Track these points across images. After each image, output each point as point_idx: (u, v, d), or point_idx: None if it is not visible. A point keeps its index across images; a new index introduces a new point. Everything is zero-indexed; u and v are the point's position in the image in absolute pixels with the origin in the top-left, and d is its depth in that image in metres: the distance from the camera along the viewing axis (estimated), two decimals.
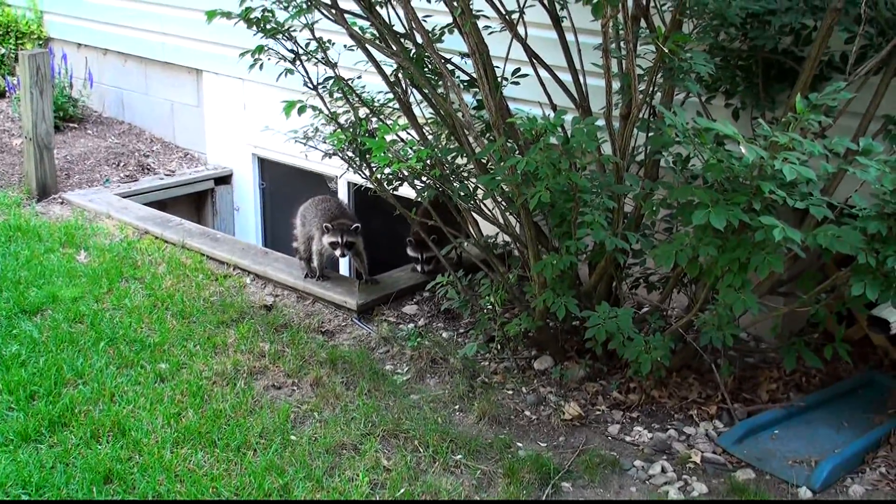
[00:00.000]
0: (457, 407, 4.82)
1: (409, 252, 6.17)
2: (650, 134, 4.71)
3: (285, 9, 5.20)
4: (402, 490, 4.13)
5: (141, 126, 9.34)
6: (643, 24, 4.69)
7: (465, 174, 5.28)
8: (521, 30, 5.01)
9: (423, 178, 5.26)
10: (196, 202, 8.54)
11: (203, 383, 4.88)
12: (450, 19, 5.03)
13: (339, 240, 5.75)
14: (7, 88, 9.55)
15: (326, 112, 5.59)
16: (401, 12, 5.14)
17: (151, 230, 6.87)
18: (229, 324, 5.56)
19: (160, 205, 7.79)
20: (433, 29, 5.19)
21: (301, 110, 5.27)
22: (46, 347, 5.14)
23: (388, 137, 4.78)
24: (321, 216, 5.97)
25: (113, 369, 4.97)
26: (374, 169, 5.48)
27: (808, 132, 4.07)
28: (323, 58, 5.49)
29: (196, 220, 7.85)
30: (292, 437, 4.48)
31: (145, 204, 7.58)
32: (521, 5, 4.98)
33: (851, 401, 4.88)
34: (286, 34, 5.37)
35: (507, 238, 5.32)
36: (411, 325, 5.67)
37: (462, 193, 5.09)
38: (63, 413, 4.55)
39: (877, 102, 4.50)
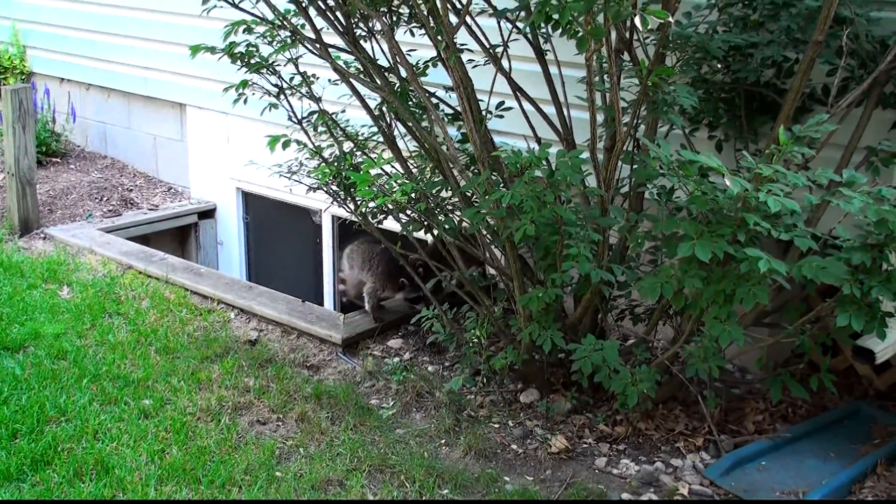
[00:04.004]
0: (443, 441, 4.80)
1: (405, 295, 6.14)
2: (634, 166, 4.73)
3: (269, 43, 5.21)
4: None
5: (124, 160, 9.33)
6: (627, 57, 4.72)
7: (450, 207, 5.28)
8: (505, 63, 5.03)
9: (408, 212, 5.26)
10: (180, 236, 8.52)
11: (187, 419, 4.85)
12: (434, 53, 5.05)
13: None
14: None
15: (311, 146, 5.60)
16: (385, 46, 5.15)
17: (135, 265, 6.85)
18: (213, 359, 5.53)
19: (143, 239, 7.76)
20: (417, 63, 5.21)
21: (285, 144, 5.28)
22: (29, 385, 5.09)
23: (373, 171, 4.79)
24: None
25: (96, 406, 4.94)
26: (359, 203, 5.47)
27: (792, 164, 4.08)
28: (307, 92, 5.50)
29: (180, 255, 7.83)
30: (277, 474, 4.44)
31: (129, 239, 7.54)
32: (505, 39, 5.00)
33: (838, 431, 4.88)
34: (270, 69, 5.38)
35: (493, 271, 5.32)
36: (397, 359, 5.65)
37: (447, 227, 5.09)
38: (45, 451, 4.51)
39: (859, 134, 4.53)
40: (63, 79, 9.67)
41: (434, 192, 5.17)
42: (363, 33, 5.19)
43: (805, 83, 4.41)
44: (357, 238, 6.34)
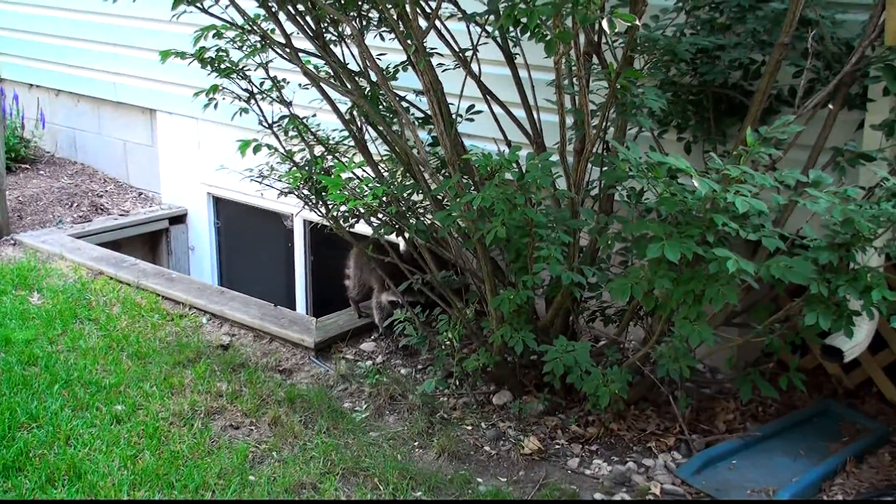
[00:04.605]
0: (416, 443, 4.81)
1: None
2: (604, 168, 4.75)
3: (240, 48, 5.21)
4: None
5: (94, 166, 9.29)
6: (595, 60, 4.74)
7: (422, 210, 5.30)
8: (475, 67, 5.04)
9: (380, 215, 5.27)
10: (150, 242, 8.49)
11: (160, 424, 4.84)
12: (404, 57, 5.07)
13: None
14: None
15: (282, 150, 5.60)
16: (355, 51, 5.16)
17: (106, 271, 6.82)
18: (186, 364, 5.52)
19: (114, 245, 7.74)
20: (388, 67, 5.22)
21: (256, 149, 5.28)
22: None
23: (344, 175, 4.80)
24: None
25: (68, 412, 4.92)
26: (331, 206, 5.48)
27: (759, 165, 4.12)
28: (278, 96, 5.51)
29: (151, 260, 7.80)
30: (251, 478, 4.44)
31: (99, 244, 7.52)
32: (475, 43, 5.02)
33: (807, 430, 4.92)
34: (240, 73, 5.38)
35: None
36: (369, 363, 5.66)
37: (418, 230, 5.10)
38: (17, 457, 4.48)
39: (825, 135, 4.57)
40: (32, 84, 9.62)
41: (405, 195, 5.19)
42: (333, 38, 5.20)
43: (772, 85, 4.46)
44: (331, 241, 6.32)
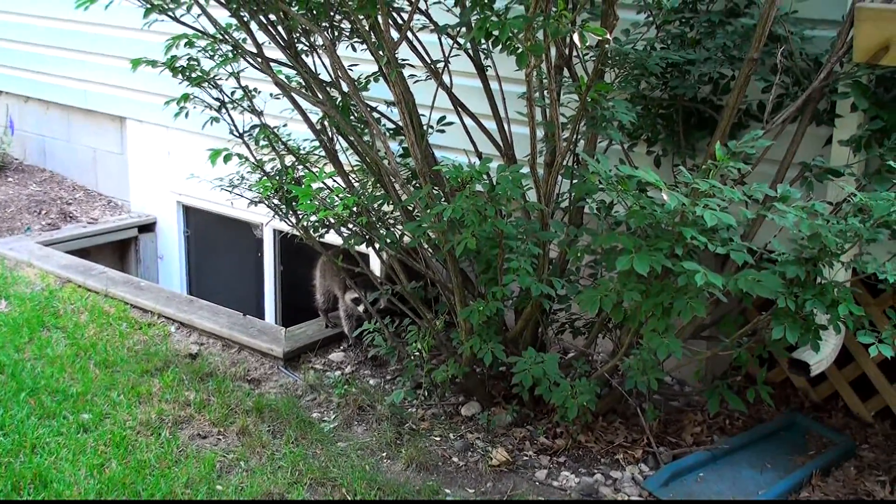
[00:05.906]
0: (384, 454, 4.80)
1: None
2: (574, 181, 4.77)
3: (211, 57, 5.20)
4: None
5: (63, 174, 9.24)
6: (566, 73, 4.77)
7: (392, 221, 5.30)
8: (446, 78, 5.05)
9: (350, 226, 5.27)
10: (119, 250, 8.44)
11: (127, 433, 4.81)
12: (375, 68, 5.08)
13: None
14: None
15: (252, 160, 5.59)
16: (327, 61, 5.15)
17: (74, 279, 6.78)
18: (154, 373, 5.49)
19: (83, 253, 7.69)
20: (359, 77, 5.22)
21: (227, 158, 5.27)
22: None
23: (315, 185, 4.79)
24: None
25: (34, 420, 4.88)
26: (301, 216, 5.47)
27: (728, 179, 4.15)
28: (249, 106, 5.50)
29: (119, 269, 7.75)
30: (218, 487, 4.42)
31: (67, 252, 7.48)
32: (447, 55, 5.03)
33: (774, 442, 4.95)
34: (212, 82, 5.37)
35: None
36: (338, 373, 5.65)
37: (388, 241, 5.11)
38: None
39: (793, 150, 4.60)
40: (1, 91, 9.56)
41: (376, 205, 5.19)
42: (305, 48, 5.20)
43: (741, 99, 4.49)
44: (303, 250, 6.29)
